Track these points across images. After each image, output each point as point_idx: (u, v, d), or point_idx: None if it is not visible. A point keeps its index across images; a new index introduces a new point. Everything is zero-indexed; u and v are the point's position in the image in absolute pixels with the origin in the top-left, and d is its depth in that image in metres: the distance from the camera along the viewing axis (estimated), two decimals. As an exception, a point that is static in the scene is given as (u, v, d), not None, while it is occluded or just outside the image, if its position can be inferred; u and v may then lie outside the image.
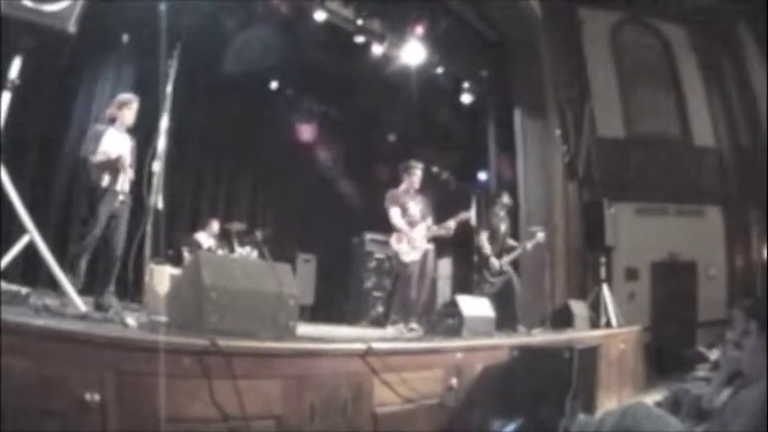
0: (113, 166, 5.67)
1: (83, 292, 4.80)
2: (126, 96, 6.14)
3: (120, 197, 5.72)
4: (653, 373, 9.75)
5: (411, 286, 7.29)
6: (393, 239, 7.48)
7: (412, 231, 7.37)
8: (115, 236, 5.67)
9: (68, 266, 5.28)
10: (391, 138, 13.37)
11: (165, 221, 5.47)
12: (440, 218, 7.69)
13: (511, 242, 8.81)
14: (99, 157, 5.64)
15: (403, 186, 7.63)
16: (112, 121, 5.94)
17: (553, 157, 11.82)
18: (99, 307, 5.03)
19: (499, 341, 6.14)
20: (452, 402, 4.77)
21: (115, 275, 5.66)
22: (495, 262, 8.38)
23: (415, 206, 7.55)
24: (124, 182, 5.79)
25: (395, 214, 7.43)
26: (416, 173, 7.61)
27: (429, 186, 7.96)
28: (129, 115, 5.95)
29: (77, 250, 5.49)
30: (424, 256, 7.42)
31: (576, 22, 13.07)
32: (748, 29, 12.82)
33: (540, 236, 8.73)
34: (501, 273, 8.39)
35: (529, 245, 8.70)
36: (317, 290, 12.03)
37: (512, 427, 4.73)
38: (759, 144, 12.30)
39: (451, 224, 7.55)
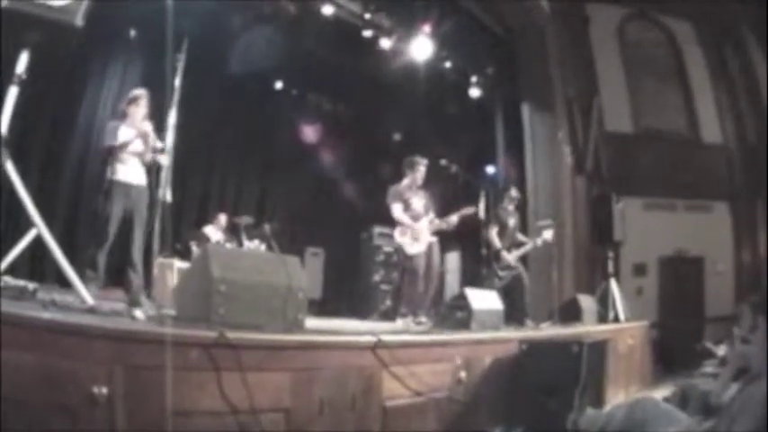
0: (139, 145, 5.70)
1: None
2: (135, 93, 6.03)
3: (136, 189, 5.72)
4: (660, 368, 9.72)
5: (418, 278, 7.31)
6: (396, 233, 7.49)
7: (415, 225, 7.37)
8: (134, 229, 5.65)
9: (89, 263, 5.30)
10: (399, 132, 13.35)
11: (173, 215, 5.46)
12: (447, 212, 7.68)
13: (520, 238, 8.76)
14: (121, 139, 5.65)
15: (406, 182, 7.61)
16: (123, 116, 5.92)
17: (561, 152, 11.77)
18: (134, 303, 5.00)
19: (508, 335, 6.13)
20: (461, 396, 4.77)
21: (139, 268, 5.65)
22: (505, 256, 8.31)
23: (418, 201, 7.54)
24: (141, 174, 5.80)
25: (397, 209, 7.43)
26: (420, 169, 7.58)
27: (437, 180, 7.92)
28: (138, 112, 5.84)
29: (96, 246, 5.49)
30: (429, 248, 7.43)
31: (584, 18, 13.01)
32: (750, 28, 12.75)
33: (550, 233, 8.67)
34: (510, 267, 8.34)
35: (539, 241, 8.63)
36: (325, 283, 12.05)
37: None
38: (763, 139, 12.22)
39: (454, 218, 7.55)
